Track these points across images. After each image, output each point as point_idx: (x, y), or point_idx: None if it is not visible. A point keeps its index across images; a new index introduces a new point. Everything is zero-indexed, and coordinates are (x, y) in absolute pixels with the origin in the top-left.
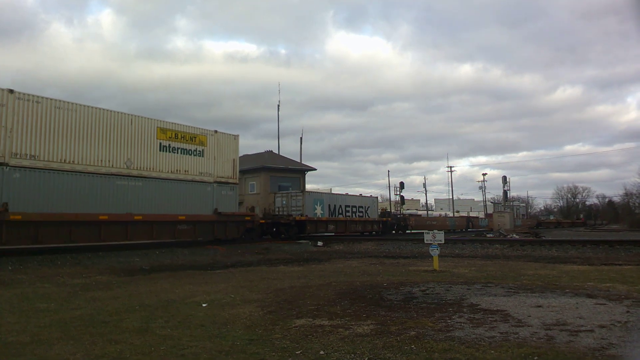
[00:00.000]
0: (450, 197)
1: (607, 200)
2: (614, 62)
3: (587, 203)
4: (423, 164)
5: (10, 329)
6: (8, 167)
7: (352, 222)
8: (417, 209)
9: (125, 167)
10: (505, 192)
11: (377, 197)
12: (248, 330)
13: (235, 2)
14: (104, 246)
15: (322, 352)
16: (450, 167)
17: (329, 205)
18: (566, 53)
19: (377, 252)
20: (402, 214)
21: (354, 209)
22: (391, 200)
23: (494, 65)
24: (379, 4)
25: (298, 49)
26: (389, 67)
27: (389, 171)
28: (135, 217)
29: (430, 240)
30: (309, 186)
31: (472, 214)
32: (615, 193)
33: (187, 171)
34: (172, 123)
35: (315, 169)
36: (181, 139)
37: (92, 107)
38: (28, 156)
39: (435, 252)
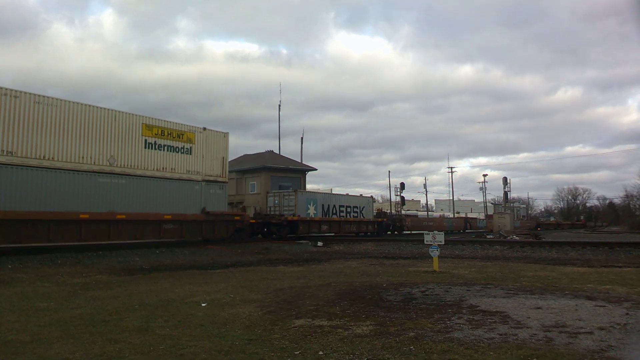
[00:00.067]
0: (451, 198)
1: (607, 202)
2: (615, 64)
3: (588, 205)
4: (423, 164)
5: (10, 327)
6: None
7: (346, 222)
8: (417, 210)
9: (108, 164)
10: (505, 193)
11: (372, 197)
12: (247, 330)
13: (236, 2)
14: (103, 245)
15: (321, 353)
16: (451, 167)
17: (323, 205)
18: (567, 54)
19: (376, 252)
20: (399, 214)
21: (349, 209)
22: (392, 200)
23: (494, 66)
24: (379, 5)
25: (299, 49)
26: (390, 68)
27: (389, 172)
28: (118, 216)
29: (430, 241)
30: (309, 186)
31: (472, 215)
32: (615, 195)
33: (174, 169)
34: (159, 119)
35: (316, 169)
36: (168, 136)
37: (73, 103)
38: (4, 152)
39: (435, 253)
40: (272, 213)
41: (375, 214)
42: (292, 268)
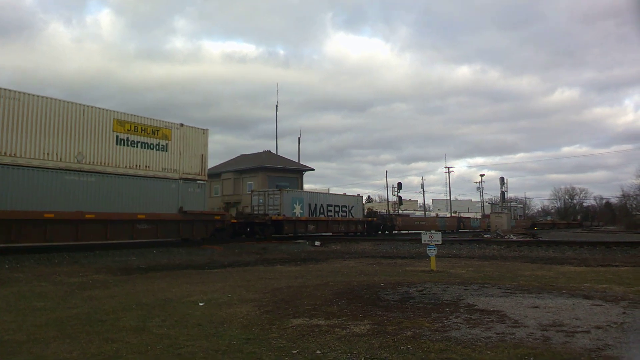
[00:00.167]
0: (448, 197)
1: (604, 201)
2: (612, 65)
3: (585, 204)
4: (421, 164)
5: (6, 327)
6: None
7: (334, 222)
8: (414, 210)
9: (76, 161)
10: (502, 193)
11: (362, 196)
12: (245, 329)
13: (234, 3)
14: (100, 245)
15: (318, 352)
16: (448, 168)
17: (310, 204)
18: (564, 56)
19: (374, 252)
20: (389, 213)
21: (337, 209)
22: (389, 200)
23: (491, 67)
24: (378, 7)
25: (297, 49)
26: (388, 69)
27: (386, 172)
28: (87, 216)
29: (428, 240)
30: (306, 186)
31: (469, 215)
32: (612, 195)
33: (149, 167)
34: (131, 115)
35: (313, 169)
36: (142, 132)
37: (38, 96)
38: None
39: (432, 252)
40: (255, 212)
41: (365, 213)
42: (290, 268)
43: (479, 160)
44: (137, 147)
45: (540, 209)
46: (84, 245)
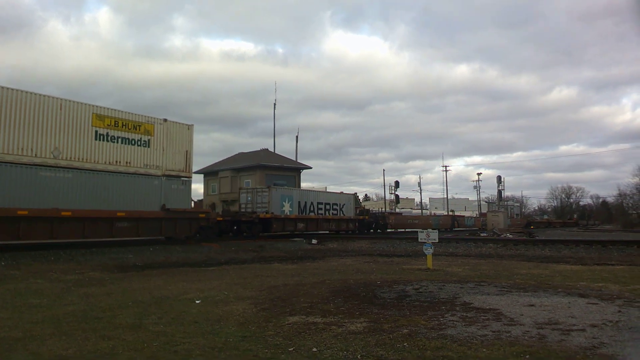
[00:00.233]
0: (445, 196)
1: (600, 200)
2: (610, 64)
3: (581, 203)
4: (418, 163)
5: (2, 324)
6: None
7: (324, 220)
8: (411, 208)
9: (52, 156)
10: (499, 192)
11: (353, 194)
12: (241, 327)
13: (233, 1)
14: (97, 243)
15: (314, 350)
16: (445, 166)
17: (299, 202)
18: (563, 54)
19: (371, 250)
20: (382, 212)
21: (327, 207)
22: (386, 199)
23: (490, 66)
24: (377, 5)
25: (295, 48)
26: (386, 67)
27: (384, 170)
28: (63, 213)
29: (425, 239)
30: (304, 184)
31: (464, 213)
32: (609, 193)
33: (129, 163)
34: (112, 109)
35: (311, 167)
36: (122, 127)
37: (11, 89)
38: None
39: (429, 250)
40: (243, 210)
41: (357, 211)
42: (287, 265)
43: (477, 158)
44: (117, 142)
45: (537, 208)
46: (78, 242)
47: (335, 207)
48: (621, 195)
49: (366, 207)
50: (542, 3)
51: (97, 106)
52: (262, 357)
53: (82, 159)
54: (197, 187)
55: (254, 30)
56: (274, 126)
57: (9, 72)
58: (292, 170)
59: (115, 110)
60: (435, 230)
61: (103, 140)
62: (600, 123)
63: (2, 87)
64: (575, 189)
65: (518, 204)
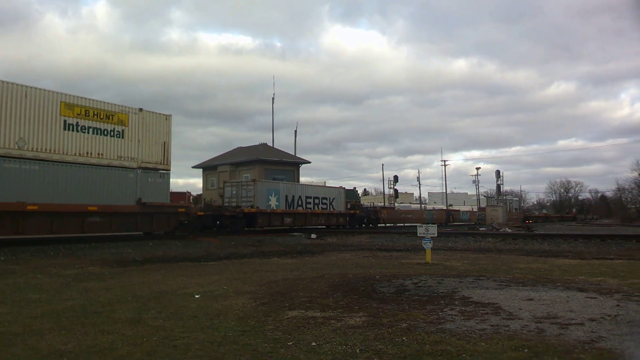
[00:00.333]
0: (444, 190)
1: (599, 195)
2: (608, 59)
3: (580, 198)
4: (417, 157)
5: (1, 319)
6: None
7: (313, 214)
8: (410, 202)
9: (16, 147)
10: (498, 186)
11: (343, 188)
12: (240, 321)
13: None
14: (95, 237)
15: (314, 344)
16: (444, 161)
17: (287, 196)
18: (561, 49)
19: (370, 245)
20: (373, 206)
21: (317, 201)
22: (385, 193)
23: (488, 61)
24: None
25: (293, 42)
26: (384, 61)
27: (383, 165)
28: (29, 207)
29: (424, 233)
30: (303, 179)
31: (460, 208)
32: (607, 188)
33: (102, 154)
34: (82, 98)
35: (310, 162)
36: (94, 117)
37: None
38: None
39: (428, 245)
40: (227, 205)
41: (349, 206)
42: (286, 260)
43: (475, 153)
44: (88, 132)
45: (535, 202)
46: (77, 237)
47: (324, 201)
48: (620, 189)
49: (359, 202)
50: None
51: (65, 94)
52: (262, 351)
53: (50, 149)
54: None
55: (251, 24)
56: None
57: (6, 66)
58: (291, 165)
59: (85, 98)
60: (434, 225)
61: (72, 130)
62: (598, 118)
63: None
64: (573, 184)
65: (517, 199)
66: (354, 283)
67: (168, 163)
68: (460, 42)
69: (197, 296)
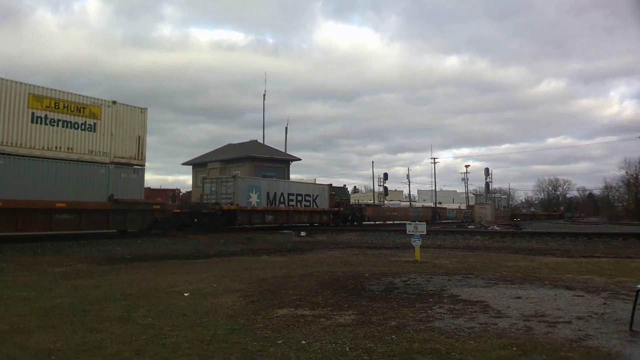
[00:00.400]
0: (433, 188)
1: (587, 193)
2: (599, 56)
3: (568, 196)
4: (407, 155)
5: None
6: None
7: (295, 212)
8: (400, 200)
9: None
10: (487, 184)
11: (328, 185)
12: (230, 319)
13: None
14: (84, 234)
15: (303, 342)
16: (434, 158)
17: (268, 193)
18: (552, 46)
19: (359, 242)
20: (358, 203)
21: (299, 198)
22: (375, 191)
23: (480, 58)
24: None
25: (286, 38)
26: (376, 58)
27: (373, 162)
28: None
29: (412, 231)
30: (293, 176)
31: (453, 206)
32: (595, 186)
33: (72, 149)
34: (52, 89)
35: (300, 159)
36: (64, 109)
37: None
38: None
39: (417, 243)
40: (206, 202)
41: (333, 203)
42: (275, 258)
43: (465, 151)
44: (57, 126)
45: (524, 200)
46: (66, 234)
47: (307, 198)
48: (607, 187)
49: (349, 199)
50: None
51: (34, 85)
52: (251, 349)
53: (16, 143)
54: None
55: (244, 20)
56: (264, 117)
57: None
58: (281, 162)
59: (55, 90)
60: (423, 223)
61: (41, 123)
62: (587, 115)
63: None
64: (562, 182)
65: (505, 197)
66: (344, 281)
67: (143, 158)
68: (452, 39)
69: (186, 294)
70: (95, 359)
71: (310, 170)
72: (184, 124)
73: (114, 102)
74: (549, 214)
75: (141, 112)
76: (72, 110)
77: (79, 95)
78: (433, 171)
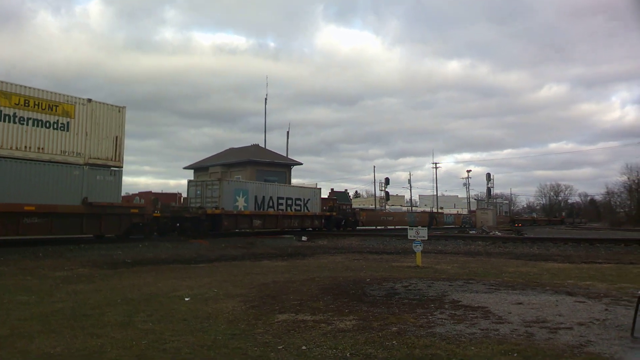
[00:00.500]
0: (435, 193)
1: (589, 198)
2: (600, 61)
3: (570, 201)
4: (409, 159)
5: None
6: None
7: (285, 216)
8: (401, 205)
9: None
10: (488, 189)
11: (320, 189)
12: (231, 324)
13: None
14: (85, 239)
15: (304, 347)
16: (435, 163)
17: (256, 197)
18: (553, 51)
19: (361, 247)
20: (352, 207)
21: (289, 202)
22: (376, 195)
23: (481, 62)
24: None
25: (287, 42)
26: (378, 62)
27: (374, 167)
28: None
29: (414, 236)
30: (294, 180)
31: (454, 211)
32: (597, 192)
33: (42, 149)
34: (21, 86)
35: (302, 164)
36: (34, 107)
37: None
38: None
39: (418, 248)
40: (189, 205)
41: (325, 207)
42: (276, 263)
43: (466, 156)
44: (26, 124)
45: (525, 206)
46: (66, 239)
47: (298, 202)
48: (609, 193)
49: (350, 204)
50: None
51: (2, 82)
52: (252, 355)
53: None
54: None
55: (245, 24)
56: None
57: None
58: (282, 166)
59: (25, 87)
60: (424, 228)
61: (9, 121)
62: (589, 121)
63: None
64: (563, 187)
65: (507, 202)
66: (345, 286)
67: (120, 159)
68: (453, 43)
69: (187, 299)
70: None
71: (312, 174)
72: (187, 127)
73: (89, 100)
74: (549, 219)
75: (119, 111)
76: (44, 108)
77: (51, 92)
78: (435, 176)
